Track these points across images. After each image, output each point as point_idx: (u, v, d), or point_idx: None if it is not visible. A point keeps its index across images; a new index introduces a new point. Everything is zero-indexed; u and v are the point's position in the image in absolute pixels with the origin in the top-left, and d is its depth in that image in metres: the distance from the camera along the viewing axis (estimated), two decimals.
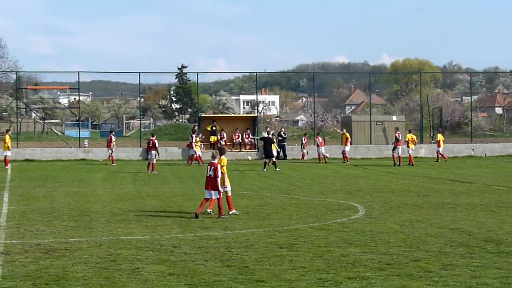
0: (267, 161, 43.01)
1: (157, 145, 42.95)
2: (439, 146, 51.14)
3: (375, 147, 58.59)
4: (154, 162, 41.83)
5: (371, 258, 14.20)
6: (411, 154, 47.20)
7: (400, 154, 46.31)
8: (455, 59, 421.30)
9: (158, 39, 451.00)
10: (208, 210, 21.34)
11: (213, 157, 21.60)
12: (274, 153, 43.70)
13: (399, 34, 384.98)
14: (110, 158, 48.70)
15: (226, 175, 21.76)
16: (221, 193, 21.20)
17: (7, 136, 46.78)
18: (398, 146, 46.78)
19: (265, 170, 41.88)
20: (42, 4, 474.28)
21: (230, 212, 21.54)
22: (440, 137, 51.14)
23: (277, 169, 42.02)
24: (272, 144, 44.05)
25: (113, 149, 48.88)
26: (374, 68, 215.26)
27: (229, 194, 21.93)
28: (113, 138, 49.53)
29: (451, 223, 19.42)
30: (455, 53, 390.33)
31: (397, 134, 47.93)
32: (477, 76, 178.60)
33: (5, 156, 45.75)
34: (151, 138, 43.47)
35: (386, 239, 16.70)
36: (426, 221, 19.86)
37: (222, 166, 21.55)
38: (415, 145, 48.57)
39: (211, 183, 21.13)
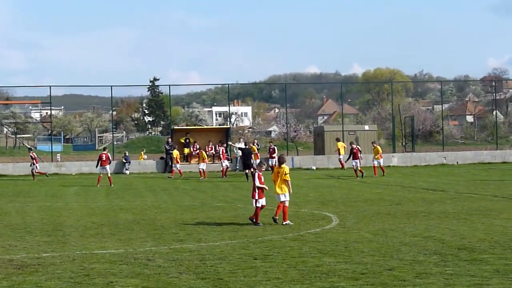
0: (247, 171, 43.23)
1: (110, 158, 42.96)
2: (379, 158, 46.33)
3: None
4: (109, 175, 41.63)
5: (345, 268, 14.22)
6: (375, 165, 45.64)
7: (359, 167, 44.49)
8: (425, 68, 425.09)
9: (130, 52, 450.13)
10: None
11: (256, 166, 22.34)
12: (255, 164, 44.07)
13: (370, 44, 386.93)
14: (36, 173, 48.66)
15: (289, 183, 22.22)
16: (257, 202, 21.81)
17: None
18: (356, 159, 44.93)
19: (248, 181, 42.02)
20: (13, 18, 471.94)
21: (284, 223, 21.68)
22: (379, 149, 46.72)
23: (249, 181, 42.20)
24: (253, 155, 44.57)
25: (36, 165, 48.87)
26: (345, 78, 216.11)
27: (287, 204, 22.08)
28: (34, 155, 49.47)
29: (424, 232, 19.50)
30: (425, 62, 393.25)
31: (353, 148, 46.05)
32: (448, 84, 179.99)
33: None
34: (103, 152, 43.13)
35: (360, 248, 16.74)
36: (400, 230, 19.93)
37: (285, 174, 22.08)
38: (381, 157, 46.30)
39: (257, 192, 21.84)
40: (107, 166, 41.72)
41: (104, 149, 45.04)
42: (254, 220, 21.78)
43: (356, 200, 29.40)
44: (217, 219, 23.45)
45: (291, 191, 22.37)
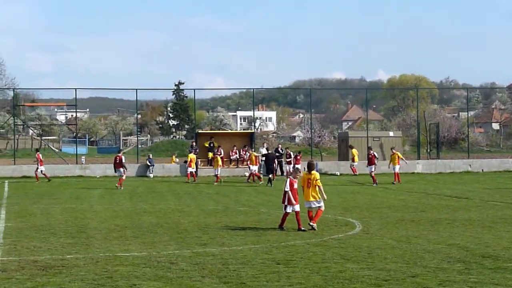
0: (270, 176, 43.42)
1: (123, 161, 43.09)
2: (395, 164, 46.22)
3: None
4: (124, 178, 41.89)
5: (368, 274, 14.18)
6: (396, 171, 45.80)
7: (373, 173, 44.34)
8: (451, 75, 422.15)
9: (155, 56, 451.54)
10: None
11: (290, 173, 22.71)
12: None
13: (395, 50, 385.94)
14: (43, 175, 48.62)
15: (322, 188, 22.05)
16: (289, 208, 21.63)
17: None
18: (372, 165, 44.88)
19: (271, 186, 42.15)
20: (41, 22, 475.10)
21: (311, 223, 21.76)
22: (398, 155, 46.54)
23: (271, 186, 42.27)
24: (276, 159, 44.95)
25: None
26: (371, 84, 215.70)
27: (322, 209, 22.09)
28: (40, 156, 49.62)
29: (448, 239, 19.40)
30: (451, 69, 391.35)
31: (369, 153, 46.01)
32: (474, 91, 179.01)
33: None
34: (117, 155, 43.43)
35: (383, 255, 16.68)
36: (424, 237, 19.84)
37: (316, 180, 21.95)
38: (399, 163, 46.09)
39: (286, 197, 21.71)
40: (121, 169, 42.05)
41: (119, 151, 45.20)
42: (279, 224, 21.80)
43: (380, 207, 29.31)
44: (240, 223, 23.45)
45: (325, 197, 22.23)
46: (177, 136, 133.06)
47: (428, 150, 75.52)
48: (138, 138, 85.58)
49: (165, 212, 27.72)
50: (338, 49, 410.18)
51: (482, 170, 58.79)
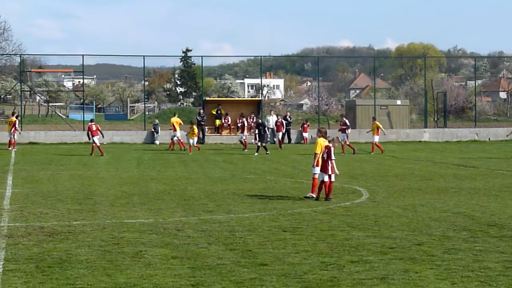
0: (259, 144, 42.85)
1: (16, 125, 43.76)
2: (374, 134, 44.34)
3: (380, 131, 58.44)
4: (99, 144, 41.89)
5: (374, 242, 14.21)
6: (374, 141, 43.90)
7: (347, 141, 43.76)
8: (459, 43, 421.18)
9: (163, 23, 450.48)
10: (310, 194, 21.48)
11: (328, 141, 21.73)
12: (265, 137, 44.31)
13: (403, 19, 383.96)
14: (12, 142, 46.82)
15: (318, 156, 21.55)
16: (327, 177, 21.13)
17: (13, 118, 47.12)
18: (343, 133, 44.06)
19: (268, 152, 42.09)
20: None
21: (309, 195, 21.48)
22: (377, 125, 44.61)
23: (267, 153, 42.16)
24: (265, 128, 44.72)
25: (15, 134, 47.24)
26: (378, 53, 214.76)
27: (316, 177, 21.65)
28: (17, 123, 48.00)
29: (454, 207, 19.42)
30: (459, 37, 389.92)
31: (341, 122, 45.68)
32: (482, 60, 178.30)
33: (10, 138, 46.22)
34: (92, 123, 43.13)
35: (389, 223, 16.71)
36: (430, 205, 19.86)
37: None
38: (378, 134, 44.13)
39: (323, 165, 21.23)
40: (96, 137, 42.05)
41: (91, 120, 45.11)
42: (325, 197, 21.18)
43: (387, 175, 29.31)
44: (247, 191, 23.49)
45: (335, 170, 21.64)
46: (185, 103, 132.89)
47: (435, 119, 75.46)
48: (146, 105, 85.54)
49: (172, 179, 27.77)
50: (346, 17, 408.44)
51: (489, 139, 58.71)
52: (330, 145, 21.50)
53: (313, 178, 21.81)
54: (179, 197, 21.94)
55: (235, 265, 12.13)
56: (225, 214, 18.21)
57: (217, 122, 56.86)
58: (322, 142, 21.71)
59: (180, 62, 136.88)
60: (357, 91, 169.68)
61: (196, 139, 44.37)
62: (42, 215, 18.00)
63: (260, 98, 70.39)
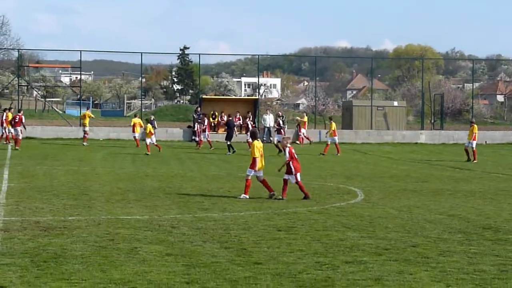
0: (228, 143, 42.66)
1: (23, 121, 43.21)
2: (331, 135, 43.59)
3: (376, 132, 58.63)
4: (20, 138, 41.64)
5: (369, 243, 14.21)
6: (328, 142, 43.16)
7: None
8: (457, 46, 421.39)
9: (161, 20, 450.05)
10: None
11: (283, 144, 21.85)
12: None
13: (402, 20, 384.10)
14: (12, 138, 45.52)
15: (257, 159, 21.37)
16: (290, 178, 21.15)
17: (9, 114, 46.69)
18: (279, 134, 43.63)
19: (230, 152, 41.80)
20: None
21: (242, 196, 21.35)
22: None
23: (229, 153, 41.88)
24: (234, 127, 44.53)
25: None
26: (376, 53, 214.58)
27: (249, 178, 21.50)
28: (23, 118, 45.61)
29: (449, 210, 19.43)
30: (457, 40, 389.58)
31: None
32: (480, 63, 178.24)
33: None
34: (18, 114, 43.15)
35: (385, 224, 16.72)
36: (425, 207, 19.87)
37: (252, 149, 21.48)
38: (335, 135, 43.32)
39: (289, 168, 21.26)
40: (18, 128, 42.15)
41: (19, 111, 45.06)
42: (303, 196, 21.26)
43: (382, 176, 29.34)
44: (242, 189, 23.45)
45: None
46: (181, 101, 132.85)
47: (432, 121, 75.47)
48: (142, 102, 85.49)
49: (168, 176, 27.78)
50: (345, 18, 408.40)
51: (486, 142, 58.69)
52: (289, 145, 21.53)
53: (246, 180, 21.53)
54: (174, 194, 21.94)
55: (230, 264, 12.13)
56: (220, 212, 18.22)
57: (213, 121, 56.83)
58: (258, 144, 21.60)
59: (177, 59, 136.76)
60: (354, 92, 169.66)
61: (154, 138, 42.60)
62: (38, 210, 18.00)
63: (257, 97, 70.36)
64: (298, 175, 21.39)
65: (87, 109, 51.25)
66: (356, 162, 37.25)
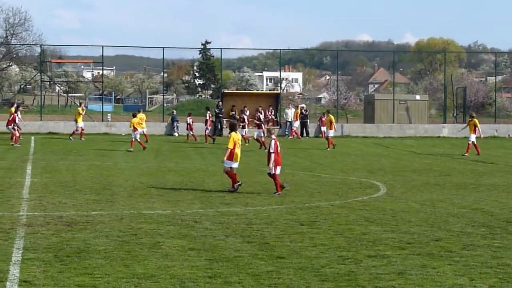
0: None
1: (17, 118, 42.70)
2: (329, 129, 43.41)
3: (398, 126, 58.41)
4: (17, 134, 41.55)
5: (391, 237, 14.18)
6: (330, 135, 42.69)
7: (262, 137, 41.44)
8: (480, 39, 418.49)
9: (182, 14, 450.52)
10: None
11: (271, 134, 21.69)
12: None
13: (423, 13, 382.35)
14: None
15: (234, 151, 21.41)
16: (271, 170, 20.90)
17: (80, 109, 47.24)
18: (259, 129, 42.67)
19: (214, 143, 42.86)
20: None
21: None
22: (331, 119, 43.57)
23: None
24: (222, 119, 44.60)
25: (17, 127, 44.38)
26: (398, 47, 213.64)
27: (228, 169, 21.51)
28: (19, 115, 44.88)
29: (473, 203, 19.34)
30: (480, 33, 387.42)
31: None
32: (502, 56, 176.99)
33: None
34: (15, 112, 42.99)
35: (407, 218, 16.66)
36: (448, 201, 19.79)
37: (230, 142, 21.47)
38: (332, 128, 42.97)
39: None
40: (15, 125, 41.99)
41: (18, 106, 45.44)
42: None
43: (405, 170, 29.23)
44: (264, 184, 23.46)
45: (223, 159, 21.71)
46: (203, 96, 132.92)
47: (455, 114, 75.12)
48: (164, 96, 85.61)
49: (190, 171, 27.81)
50: (366, 11, 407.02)
51: (509, 135, 58.39)
52: (274, 137, 21.36)
53: (227, 171, 21.51)
54: (196, 189, 21.97)
55: (252, 258, 12.14)
56: (243, 207, 18.23)
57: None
58: (235, 136, 21.65)
59: (199, 54, 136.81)
60: (376, 86, 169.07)
61: (137, 133, 39.82)
62: (61, 205, 18.08)
63: (279, 91, 70.28)
64: (278, 168, 21.11)
65: (80, 105, 50.93)
66: (378, 156, 37.14)
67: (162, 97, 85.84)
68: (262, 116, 48.35)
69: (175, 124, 55.68)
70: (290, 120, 54.83)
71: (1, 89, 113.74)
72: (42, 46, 73.57)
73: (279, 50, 74.81)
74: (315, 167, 30.44)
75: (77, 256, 12.09)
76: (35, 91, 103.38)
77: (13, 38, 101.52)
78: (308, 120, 56.65)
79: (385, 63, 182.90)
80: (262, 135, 41.73)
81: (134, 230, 14.58)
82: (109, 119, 62.23)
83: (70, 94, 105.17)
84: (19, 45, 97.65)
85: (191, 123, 48.80)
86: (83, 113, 48.53)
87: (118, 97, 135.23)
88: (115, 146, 41.04)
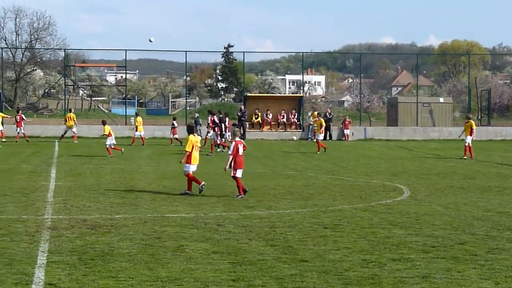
0: (218, 141, 41.69)
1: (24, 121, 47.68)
2: (318, 132, 42.63)
3: (421, 129, 58.18)
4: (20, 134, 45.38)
5: (415, 240, 14.12)
6: (319, 139, 41.95)
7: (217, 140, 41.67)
8: (504, 41, 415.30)
9: (204, 18, 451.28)
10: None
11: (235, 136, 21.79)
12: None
13: (447, 15, 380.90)
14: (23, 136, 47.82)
15: (191, 154, 21.80)
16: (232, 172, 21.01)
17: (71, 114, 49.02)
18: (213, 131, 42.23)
19: (225, 150, 41.20)
20: None
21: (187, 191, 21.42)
22: (321, 122, 43.09)
23: (218, 150, 41.11)
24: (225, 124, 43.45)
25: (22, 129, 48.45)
26: (421, 50, 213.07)
27: (190, 172, 21.76)
28: (23, 117, 49.76)
29: (498, 207, 19.22)
30: (504, 35, 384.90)
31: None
32: None
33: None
34: (18, 114, 47.19)
35: (431, 221, 16.59)
36: (473, 204, 19.68)
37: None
38: (321, 132, 42.72)
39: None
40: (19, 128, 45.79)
41: (18, 111, 48.81)
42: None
43: (428, 173, 29.10)
44: (287, 187, 23.47)
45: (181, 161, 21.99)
46: (226, 99, 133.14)
47: (479, 117, 74.71)
48: (187, 100, 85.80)
49: (212, 174, 27.81)
50: (389, 14, 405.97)
51: None
52: (237, 139, 21.35)
53: (188, 174, 21.72)
54: (219, 192, 21.99)
55: (276, 261, 12.13)
56: (266, 210, 18.22)
57: (256, 120, 56.84)
58: (193, 138, 21.84)
59: (222, 57, 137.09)
60: (399, 88, 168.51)
61: (112, 139, 37.66)
62: (85, 208, 18.16)
63: (302, 95, 70.23)
64: (239, 171, 21.04)
65: (70, 111, 51.25)
66: (402, 159, 37.00)
67: (185, 100, 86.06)
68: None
69: (198, 128, 55.70)
70: (311, 123, 54.63)
71: (25, 93, 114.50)
72: (66, 50, 74.15)
73: (301, 53, 74.84)
74: (337, 170, 30.37)
75: (101, 259, 12.14)
76: (59, 95, 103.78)
77: (37, 43, 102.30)
78: (331, 124, 56.51)
79: (409, 66, 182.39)
80: (216, 137, 41.38)
81: (157, 233, 14.62)
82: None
83: (93, 98, 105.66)
84: (43, 50, 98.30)
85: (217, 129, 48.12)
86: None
87: (141, 100, 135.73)
88: (139, 150, 41.11)
